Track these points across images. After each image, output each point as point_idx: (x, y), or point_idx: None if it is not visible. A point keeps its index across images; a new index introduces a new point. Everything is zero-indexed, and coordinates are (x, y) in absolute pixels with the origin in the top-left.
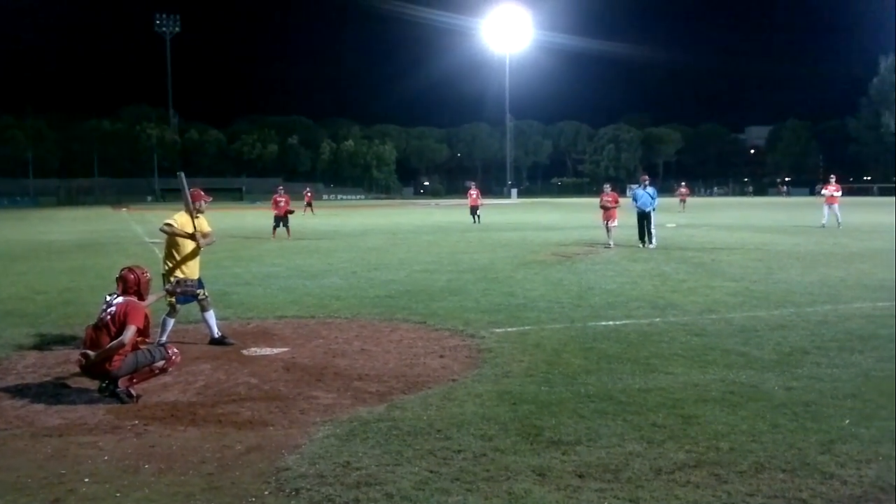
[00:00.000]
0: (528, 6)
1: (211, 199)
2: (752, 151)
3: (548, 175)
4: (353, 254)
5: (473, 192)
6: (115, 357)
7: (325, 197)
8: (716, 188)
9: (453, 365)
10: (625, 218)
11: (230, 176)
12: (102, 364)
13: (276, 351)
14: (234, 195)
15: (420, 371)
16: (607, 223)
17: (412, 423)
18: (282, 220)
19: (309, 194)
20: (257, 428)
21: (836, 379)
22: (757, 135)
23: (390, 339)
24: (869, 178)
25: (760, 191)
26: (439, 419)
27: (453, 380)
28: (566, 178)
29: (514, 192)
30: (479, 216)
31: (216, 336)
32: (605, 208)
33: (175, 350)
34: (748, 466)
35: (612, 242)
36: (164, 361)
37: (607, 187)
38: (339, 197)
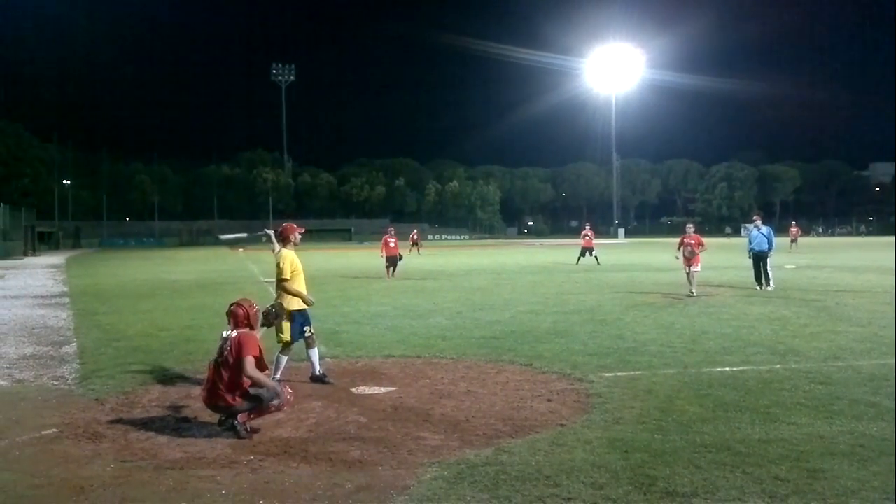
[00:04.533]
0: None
1: (304, 229)
2: (878, 189)
3: (656, 214)
4: (458, 294)
5: (588, 233)
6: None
7: (429, 237)
8: (820, 229)
9: (561, 409)
10: (740, 259)
11: (340, 217)
12: (226, 398)
13: (383, 390)
14: (343, 235)
15: (527, 415)
16: (689, 268)
17: (520, 468)
18: (392, 259)
19: (416, 235)
20: (367, 467)
21: None
22: (882, 171)
23: (496, 380)
24: None
25: (887, 230)
26: (548, 465)
27: (562, 425)
28: (676, 217)
29: (621, 231)
30: (595, 256)
31: (317, 373)
32: (687, 254)
33: (290, 390)
34: None
35: (694, 290)
36: (279, 401)
37: (690, 228)
38: (443, 237)
